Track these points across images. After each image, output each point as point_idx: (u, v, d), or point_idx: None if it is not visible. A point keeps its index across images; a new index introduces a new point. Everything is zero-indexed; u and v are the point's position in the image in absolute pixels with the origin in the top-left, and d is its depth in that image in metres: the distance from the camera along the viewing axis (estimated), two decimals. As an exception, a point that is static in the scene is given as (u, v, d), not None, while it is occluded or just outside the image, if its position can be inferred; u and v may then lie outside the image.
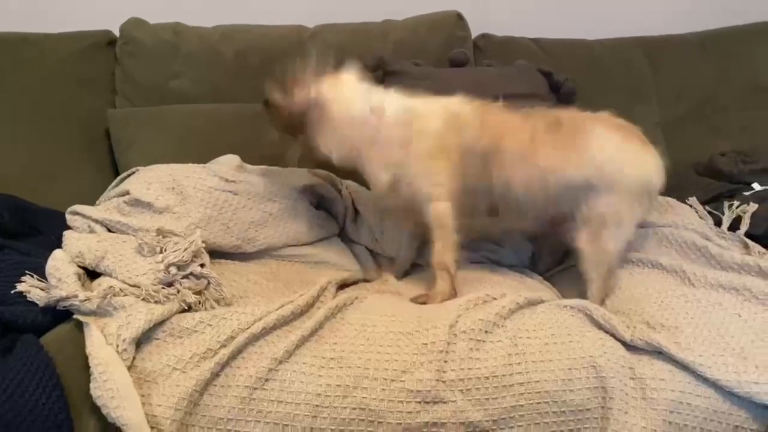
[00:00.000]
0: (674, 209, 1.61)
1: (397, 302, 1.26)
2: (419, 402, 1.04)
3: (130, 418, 0.95)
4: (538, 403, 1.07)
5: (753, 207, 1.56)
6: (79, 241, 1.30)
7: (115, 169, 1.75)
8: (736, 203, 1.60)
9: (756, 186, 1.64)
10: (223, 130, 1.75)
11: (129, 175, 1.54)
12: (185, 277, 1.15)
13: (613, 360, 1.10)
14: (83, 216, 1.40)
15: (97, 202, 1.56)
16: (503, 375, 1.08)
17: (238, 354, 1.05)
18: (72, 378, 1.01)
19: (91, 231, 1.38)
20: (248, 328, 1.08)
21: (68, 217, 1.44)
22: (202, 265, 1.18)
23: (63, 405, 0.99)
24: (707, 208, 1.63)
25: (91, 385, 0.98)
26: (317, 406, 1.03)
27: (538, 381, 1.08)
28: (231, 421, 1.01)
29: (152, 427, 0.96)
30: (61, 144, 1.77)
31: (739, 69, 2.08)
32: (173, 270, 1.14)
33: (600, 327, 1.17)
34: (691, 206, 1.63)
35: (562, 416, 1.07)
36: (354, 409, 1.03)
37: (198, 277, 1.16)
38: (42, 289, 1.18)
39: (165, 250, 1.19)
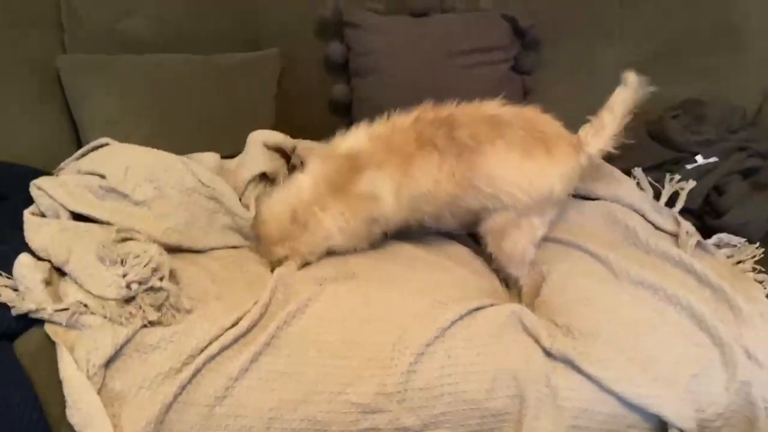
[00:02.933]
0: (618, 181, 1.70)
1: (346, 298, 1.35)
2: (360, 412, 1.20)
3: (104, 441, 1.09)
4: (463, 409, 1.23)
5: (691, 184, 1.66)
6: (43, 233, 1.36)
7: (72, 119, 1.72)
8: (676, 177, 1.68)
9: (699, 158, 1.70)
10: (188, 85, 1.70)
11: (97, 147, 1.54)
12: (146, 290, 1.23)
13: (532, 371, 1.25)
14: (50, 197, 1.43)
15: (61, 168, 1.58)
16: (435, 386, 1.22)
17: (198, 373, 1.17)
18: (48, 394, 1.14)
19: (56, 215, 1.42)
20: (206, 346, 1.19)
21: (34, 192, 1.46)
22: (161, 278, 1.25)
23: (42, 421, 1.13)
24: (650, 179, 1.71)
25: (67, 411, 1.11)
26: (270, 419, 1.17)
27: (465, 391, 1.23)
28: (194, 436, 1.16)
29: (124, 448, 1.10)
30: (11, 90, 1.71)
31: (711, 8, 2.02)
32: (135, 286, 1.22)
33: (528, 333, 1.31)
34: (635, 177, 1.71)
35: (483, 420, 1.24)
36: (302, 420, 1.18)
37: (157, 290, 1.24)
38: (12, 289, 1.27)
39: (125, 262, 1.25)
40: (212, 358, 1.19)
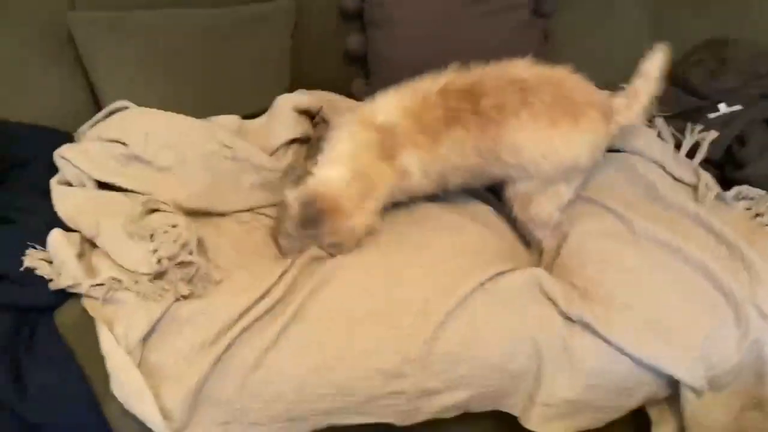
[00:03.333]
0: (639, 132, 1.68)
1: (371, 267, 1.37)
2: (384, 377, 1.26)
3: (147, 413, 1.16)
4: (484, 372, 1.29)
5: (712, 135, 1.64)
6: (70, 202, 1.40)
7: (88, 79, 1.70)
8: (698, 128, 1.66)
9: (722, 107, 1.67)
10: (201, 40, 1.66)
11: (115, 111, 1.54)
12: (177, 264, 1.27)
13: (550, 334, 1.30)
14: (75, 166, 1.45)
15: (82, 131, 1.59)
16: (457, 351, 1.28)
17: (231, 345, 1.23)
18: (92, 366, 1.22)
19: (81, 183, 1.45)
20: (238, 319, 1.25)
21: (59, 162, 1.48)
22: (190, 252, 1.29)
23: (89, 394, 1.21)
24: (671, 129, 1.69)
25: (111, 385, 1.18)
26: (300, 385, 1.24)
27: (485, 356, 1.29)
28: (230, 401, 1.22)
29: (165, 417, 1.17)
30: (25, 51, 1.69)
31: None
32: (165, 262, 1.26)
33: (546, 296, 1.35)
34: (656, 127, 1.70)
35: (502, 380, 1.30)
36: (330, 385, 1.25)
37: (187, 264, 1.28)
38: (48, 261, 1.31)
39: (154, 237, 1.28)
40: (245, 329, 1.24)
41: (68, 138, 1.65)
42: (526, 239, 1.53)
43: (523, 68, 1.41)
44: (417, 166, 1.39)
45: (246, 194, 1.55)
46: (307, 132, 1.64)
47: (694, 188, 1.61)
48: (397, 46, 1.74)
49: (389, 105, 1.41)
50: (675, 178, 1.63)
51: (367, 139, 1.39)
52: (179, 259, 1.28)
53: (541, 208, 1.44)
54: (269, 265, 1.36)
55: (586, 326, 1.31)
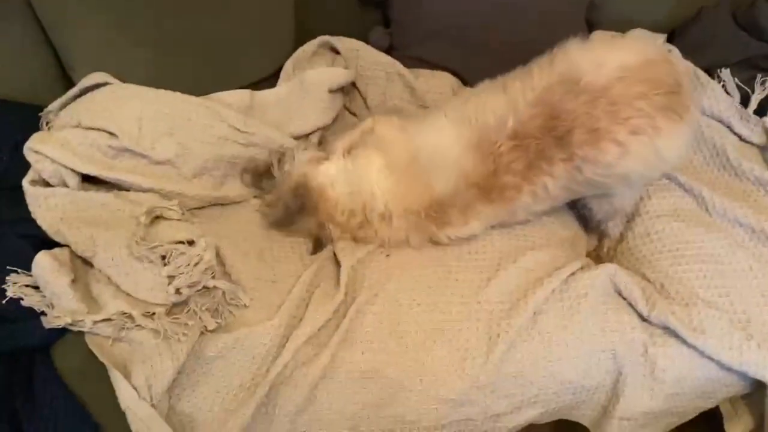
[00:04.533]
0: (702, 86, 1.47)
1: (420, 274, 1.19)
2: (451, 407, 1.11)
3: (185, 475, 0.99)
4: (557, 389, 1.15)
5: (786, 88, 1.44)
6: (51, 209, 1.15)
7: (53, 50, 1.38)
8: (768, 80, 1.46)
9: (796, 54, 1.47)
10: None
11: (93, 87, 1.25)
12: (198, 291, 1.06)
13: (629, 343, 1.16)
14: (53, 161, 1.17)
15: (50, 111, 1.29)
16: (530, 371, 1.13)
17: (273, 388, 1.05)
18: (107, 419, 1.03)
19: (62, 182, 1.18)
20: (277, 352, 1.06)
21: (30, 157, 1.19)
22: (213, 275, 1.07)
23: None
24: (737, 80, 1.49)
25: (137, 445, 0.99)
26: (356, 421, 1.08)
27: (560, 372, 1.14)
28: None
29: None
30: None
31: None
32: (186, 291, 1.04)
33: (623, 296, 1.19)
34: (720, 79, 1.49)
35: (576, 395, 1.17)
36: (390, 419, 1.10)
37: (211, 289, 1.07)
38: (33, 287, 1.09)
39: (168, 260, 1.06)
40: (286, 365, 1.06)
41: (34, 115, 1.34)
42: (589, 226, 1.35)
43: (590, 65, 1.09)
44: (478, 231, 1.21)
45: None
46: (338, 111, 1.41)
47: (762, 149, 1.43)
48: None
49: (444, 163, 1.16)
50: (742, 139, 1.45)
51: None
52: (201, 285, 1.06)
53: (627, 201, 1.25)
54: (297, 273, 1.18)
55: (669, 331, 1.16)
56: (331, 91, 1.36)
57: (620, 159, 1.07)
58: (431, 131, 1.19)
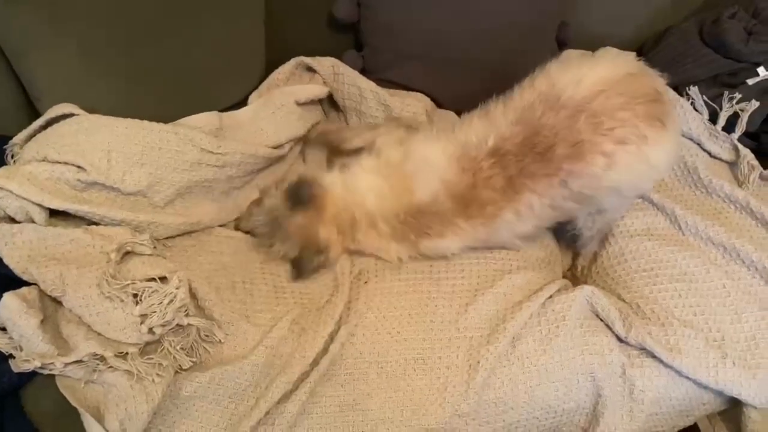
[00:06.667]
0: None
1: (398, 299, 1.19)
2: (433, 435, 1.10)
3: None
4: (538, 414, 1.15)
5: (753, 105, 1.47)
6: (19, 247, 1.11)
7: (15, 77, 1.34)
8: (737, 96, 1.48)
9: (762, 71, 1.49)
10: (156, 18, 1.29)
11: (59, 118, 1.22)
12: (171, 329, 1.04)
13: (608, 365, 1.16)
14: (17, 197, 1.13)
15: (15, 144, 1.25)
16: (511, 397, 1.13)
17: (258, 426, 1.03)
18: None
19: (28, 218, 1.15)
20: (255, 388, 1.04)
21: None
22: (187, 313, 1.05)
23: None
24: (705, 98, 1.51)
25: (114, 493, 0.97)
26: (339, 453, 1.07)
27: (541, 397, 1.14)
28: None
29: None
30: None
31: None
32: (159, 330, 1.02)
33: (600, 318, 1.20)
34: (688, 96, 1.51)
35: (556, 418, 1.17)
36: (373, 451, 1.08)
37: (185, 326, 1.05)
38: (2, 330, 1.06)
39: (139, 298, 1.03)
40: (264, 398, 1.04)
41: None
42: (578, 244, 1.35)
43: (570, 81, 1.10)
44: (457, 248, 1.21)
45: (246, 195, 1.34)
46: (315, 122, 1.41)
47: (731, 165, 1.46)
48: (394, 9, 1.44)
49: (427, 169, 1.17)
50: (711, 155, 1.47)
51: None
52: (174, 323, 1.04)
53: (615, 217, 1.27)
54: (267, 302, 1.17)
55: (646, 352, 1.17)
56: (301, 104, 1.35)
57: (607, 170, 1.08)
58: (421, 140, 1.21)
